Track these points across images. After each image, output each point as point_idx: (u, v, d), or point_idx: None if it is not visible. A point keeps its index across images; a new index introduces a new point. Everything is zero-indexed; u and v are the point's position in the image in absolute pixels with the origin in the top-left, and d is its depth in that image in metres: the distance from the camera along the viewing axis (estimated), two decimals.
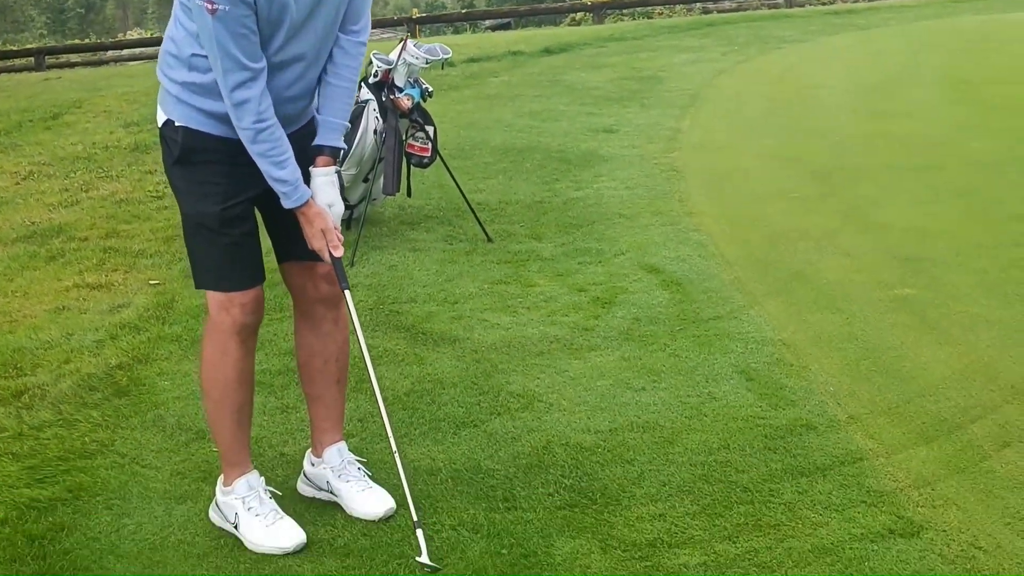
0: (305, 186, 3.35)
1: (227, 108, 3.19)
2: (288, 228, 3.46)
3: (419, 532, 3.33)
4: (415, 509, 3.37)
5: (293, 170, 3.29)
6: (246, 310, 3.40)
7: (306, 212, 3.36)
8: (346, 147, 3.57)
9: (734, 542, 3.43)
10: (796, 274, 6.04)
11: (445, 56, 6.73)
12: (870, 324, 5.25)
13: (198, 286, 3.45)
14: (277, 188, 3.30)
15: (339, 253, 3.45)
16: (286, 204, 3.33)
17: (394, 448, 3.48)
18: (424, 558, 3.27)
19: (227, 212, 3.33)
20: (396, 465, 3.44)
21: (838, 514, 3.56)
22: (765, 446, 4.04)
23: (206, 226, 3.35)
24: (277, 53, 3.24)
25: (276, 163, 3.25)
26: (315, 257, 3.48)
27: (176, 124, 3.31)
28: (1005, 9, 19.75)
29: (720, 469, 3.88)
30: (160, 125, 3.38)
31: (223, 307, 3.39)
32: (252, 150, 3.23)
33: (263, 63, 3.18)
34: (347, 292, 3.52)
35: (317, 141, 3.42)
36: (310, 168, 3.40)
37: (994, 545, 3.37)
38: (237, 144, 3.27)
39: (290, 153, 3.28)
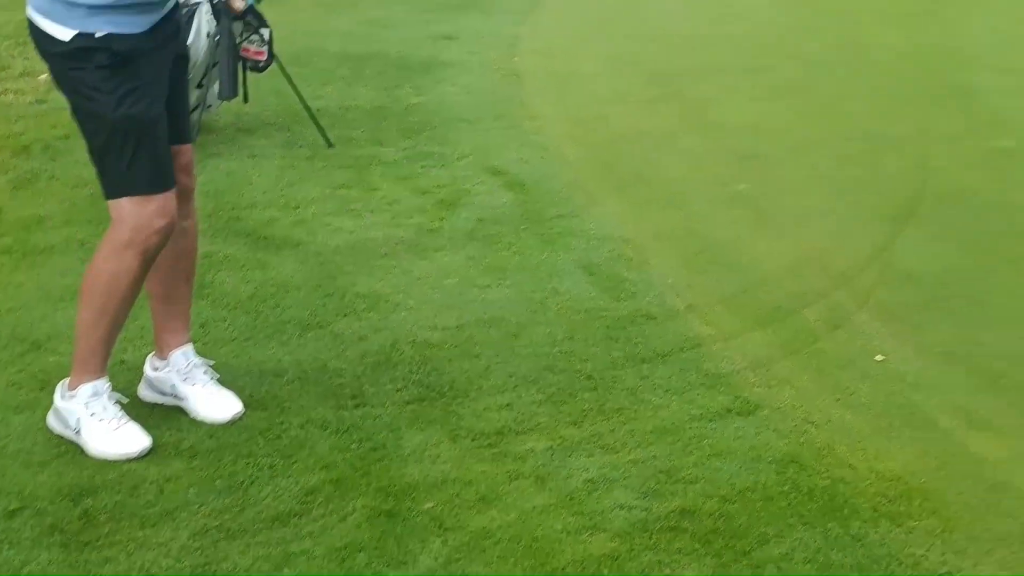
0: None
1: None
2: None
3: None
4: None
5: None
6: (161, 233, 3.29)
7: None
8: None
9: (579, 427, 3.51)
10: (636, 174, 6.14)
11: None
12: (708, 220, 5.38)
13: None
14: None
15: None
16: None
17: None
18: None
19: None
20: None
21: (678, 397, 3.68)
22: (607, 336, 4.13)
23: None
24: None
25: None
26: (175, 140, 3.37)
27: None
28: None
29: (564, 359, 3.96)
30: None
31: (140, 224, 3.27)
32: None
33: None
34: None
35: None
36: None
37: (825, 420, 3.54)
38: None
39: None
